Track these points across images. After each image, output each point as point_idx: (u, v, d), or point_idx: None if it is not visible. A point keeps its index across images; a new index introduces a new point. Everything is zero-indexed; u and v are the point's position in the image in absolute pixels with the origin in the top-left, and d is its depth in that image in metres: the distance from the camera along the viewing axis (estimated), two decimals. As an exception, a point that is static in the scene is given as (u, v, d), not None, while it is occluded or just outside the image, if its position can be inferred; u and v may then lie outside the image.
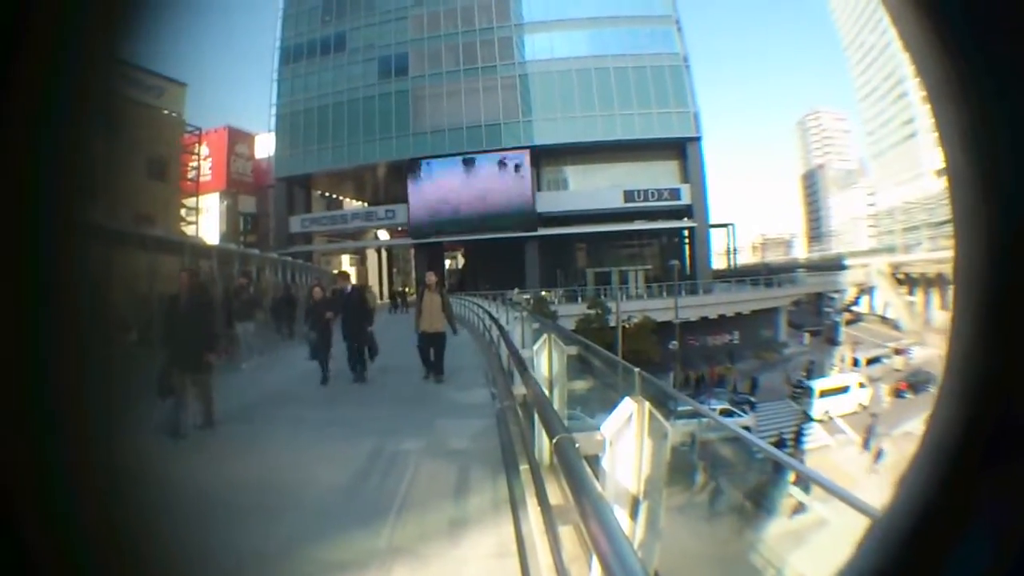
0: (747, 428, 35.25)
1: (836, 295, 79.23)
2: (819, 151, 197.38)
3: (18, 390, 0.95)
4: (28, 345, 0.95)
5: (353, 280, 18.89)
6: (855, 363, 55.45)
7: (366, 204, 76.55)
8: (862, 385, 47.96)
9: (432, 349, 15.36)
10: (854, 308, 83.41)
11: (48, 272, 0.98)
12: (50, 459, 0.99)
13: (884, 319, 78.49)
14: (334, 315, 15.82)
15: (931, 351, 57.73)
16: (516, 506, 6.25)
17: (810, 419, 44.87)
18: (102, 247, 1.14)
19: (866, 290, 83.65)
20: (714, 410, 35.19)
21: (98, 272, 1.12)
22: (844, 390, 46.90)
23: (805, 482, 3.84)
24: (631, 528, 4.13)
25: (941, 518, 1.13)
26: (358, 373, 15.18)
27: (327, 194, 77.43)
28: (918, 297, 75.64)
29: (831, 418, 44.47)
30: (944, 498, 1.14)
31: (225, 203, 75.81)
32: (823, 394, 46.13)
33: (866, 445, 39.42)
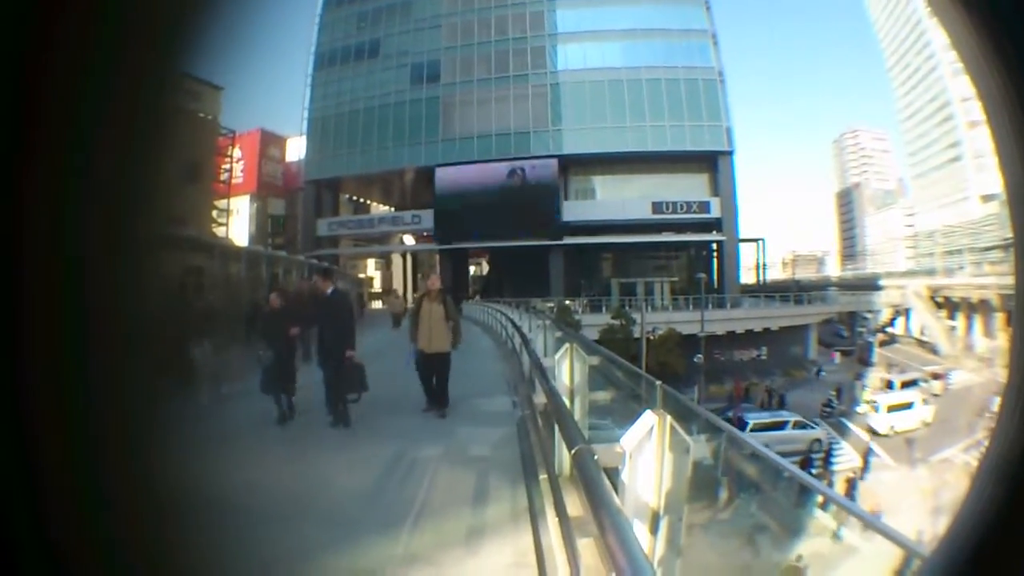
0: (818, 440, 39.75)
1: (870, 315, 78.42)
2: (856, 170, 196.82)
3: (58, 394, 0.95)
4: (69, 346, 0.96)
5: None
6: (889, 385, 54.43)
7: (393, 209, 77.26)
8: (925, 402, 48.22)
9: (434, 373, 12.25)
10: (889, 329, 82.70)
11: (92, 276, 0.99)
12: (84, 462, 1.00)
13: (921, 342, 77.44)
14: (300, 329, 12.71)
15: (972, 377, 57.24)
16: (535, 516, 6.21)
17: (876, 434, 45.10)
18: (148, 252, 1.14)
19: (902, 311, 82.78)
20: (788, 423, 39.87)
21: (143, 275, 1.11)
22: (909, 406, 47.06)
23: (832, 505, 3.78)
24: (651, 543, 4.09)
25: (1002, 551, 1.09)
26: (337, 412, 11.07)
27: (354, 198, 77.99)
28: (960, 322, 74.61)
29: (896, 433, 44.39)
30: (1005, 529, 1.10)
31: (255, 205, 76.49)
32: (891, 409, 46.39)
33: (854, 485, 37.09)
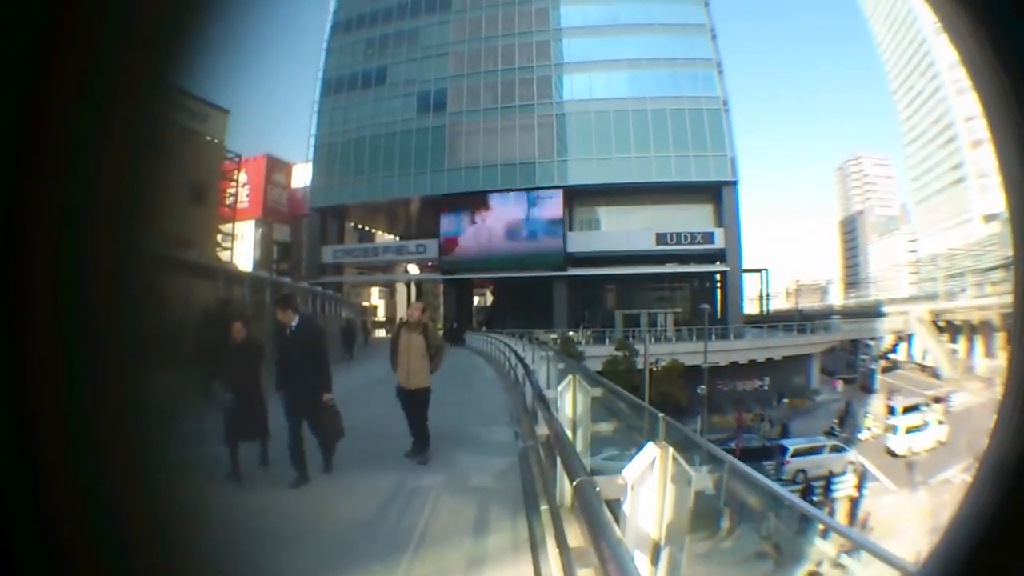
0: (851, 462, 41.80)
1: (873, 342, 78.36)
2: (859, 197, 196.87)
3: (58, 395, 0.96)
4: (68, 359, 0.97)
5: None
6: (891, 411, 54.98)
7: (398, 238, 77.42)
8: (940, 422, 49.21)
9: (412, 411, 10.86)
10: (891, 356, 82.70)
11: (91, 288, 1.00)
12: (84, 462, 1.00)
13: (923, 367, 77.30)
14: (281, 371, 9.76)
15: (973, 398, 57.43)
16: (536, 546, 6.19)
17: (894, 455, 46.26)
18: (144, 268, 1.15)
19: (904, 337, 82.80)
20: (824, 447, 43.27)
21: (138, 290, 1.12)
22: (924, 426, 48.29)
23: (832, 533, 3.81)
24: (651, 574, 4.07)
25: (997, 554, 1.10)
26: (300, 469, 9.18)
27: (360, 226, 78.15)
28: (961, 344, 74.61)
29: (914, 454, 45.21)
30: (1001, 533, 1.11)
31: (260, 231, 76.65)
32: (909, 431, 47.74)
33: (853, 515, 36.99)
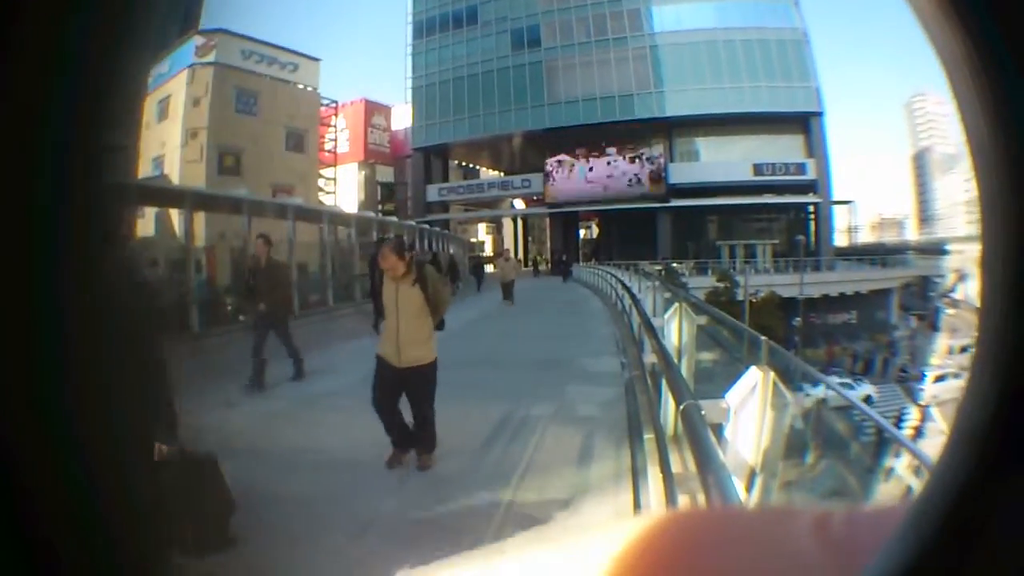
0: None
1: (939, 280, 79.06)
2: (925, 134, 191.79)
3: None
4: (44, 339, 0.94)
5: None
6: (949, 351, 57.50)
7: (502, 173, 77.32)
8: None
9: (405, 397, 6.81)
10: (952, 295, 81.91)
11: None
12: (64, 459, 0.95)
13: (976, 308, 76.72)
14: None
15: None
16: (637, 474, 6.25)
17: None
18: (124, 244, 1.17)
19: (963, 277, 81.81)
20: (949, 374, 47.22)
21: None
22: None
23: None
24: (745, 500, 4.11)
25: (970, 511, 1.09)
26: None
27: (464, 163, 78.61)
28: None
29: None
30: (974, 488, 1.10)
31: (363, 173, 77.79)
32: None
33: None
